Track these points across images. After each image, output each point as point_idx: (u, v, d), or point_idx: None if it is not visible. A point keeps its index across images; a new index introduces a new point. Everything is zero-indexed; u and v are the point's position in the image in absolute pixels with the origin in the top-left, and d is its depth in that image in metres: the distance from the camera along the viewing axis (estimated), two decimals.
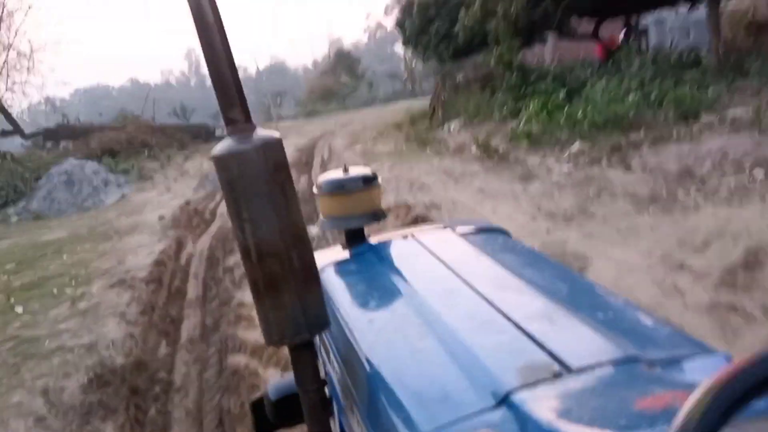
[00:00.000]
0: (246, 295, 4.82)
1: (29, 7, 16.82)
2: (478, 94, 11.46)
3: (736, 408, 0.44)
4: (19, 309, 5.38)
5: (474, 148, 8.76)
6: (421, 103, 18.10)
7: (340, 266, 1.66)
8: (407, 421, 0.91)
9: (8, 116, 17.02)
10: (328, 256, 1.71)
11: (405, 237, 1.76)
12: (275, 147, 0.97)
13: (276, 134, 1.00)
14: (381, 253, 1.68)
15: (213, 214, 8.52)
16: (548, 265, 1.54)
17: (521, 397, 0.86)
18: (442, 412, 0.90)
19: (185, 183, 11.55)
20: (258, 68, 48.60)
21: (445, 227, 1.82)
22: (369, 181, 1.71)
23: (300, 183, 9.26)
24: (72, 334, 4.56)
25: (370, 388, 1.08)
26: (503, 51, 10.38)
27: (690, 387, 0.48)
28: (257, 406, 1.75)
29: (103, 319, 4.90)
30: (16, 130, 17.11)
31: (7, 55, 16.33)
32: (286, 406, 1.58)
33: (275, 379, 2.54)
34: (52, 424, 3.31)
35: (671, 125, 7.58)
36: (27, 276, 6.62)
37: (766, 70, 8.71)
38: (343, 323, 1.31)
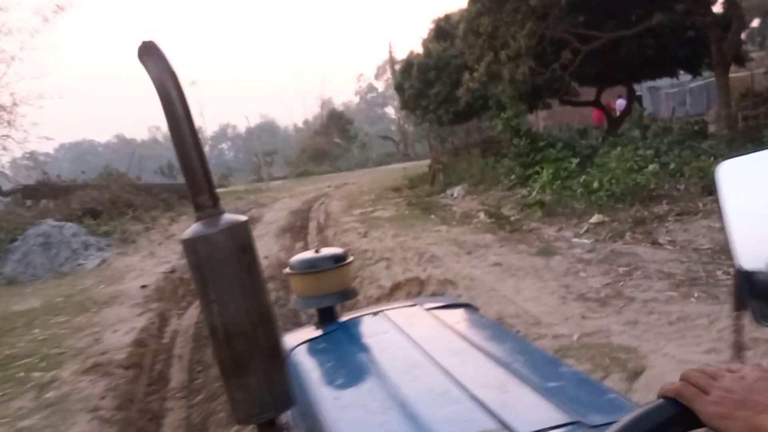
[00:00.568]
0: None
1: (12, 59, 16.44)
2: (481, 159, 11.10)
3: None
4: None
5: (483, 217, 8.26)
6: (415, 166, 17.84)
7: (311, 345, 1.72)
8: None
9: None
10: (301, 335, 1.78)
11: (375, 314, 1.83)
12: (242, 229, 0.98)
13: (243, 217, 1.00)
14: (351, 330, 1.76)
15: None
16: (509, 337, 1.67)
17: None
18: None
19: (170, 247, 10.88)
20: (249, 125, 48.71)
21: (413, 304, 1.90)
22: (340, 260, 1.80)
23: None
24: None
25: None
26: (510, 116, 10.06)
27: None
28: None
29: (72, 414, 4.25)
30: None
31: None
32: None
33: None
34: None
35: (695, 197, 7.18)
36: None
37: None
38: (312, 401, 1.36)
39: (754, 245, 0.74)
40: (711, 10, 10.12)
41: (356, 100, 49.90)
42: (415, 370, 1.35)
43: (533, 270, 5.85)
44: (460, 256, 6.73)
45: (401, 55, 30.03)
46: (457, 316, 1.78)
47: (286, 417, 1.34)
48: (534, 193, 8.29)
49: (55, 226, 11.14)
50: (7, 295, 8.94)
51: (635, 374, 3.53)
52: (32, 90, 16.92)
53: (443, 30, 15.10)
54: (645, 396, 3.12)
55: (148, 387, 4.87)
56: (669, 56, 11.49)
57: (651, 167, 7.61)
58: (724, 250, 5.61)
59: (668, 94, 19.50)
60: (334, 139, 31.40)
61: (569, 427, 0.99)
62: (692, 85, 17.90)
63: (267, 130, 51.71)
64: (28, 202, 15.08)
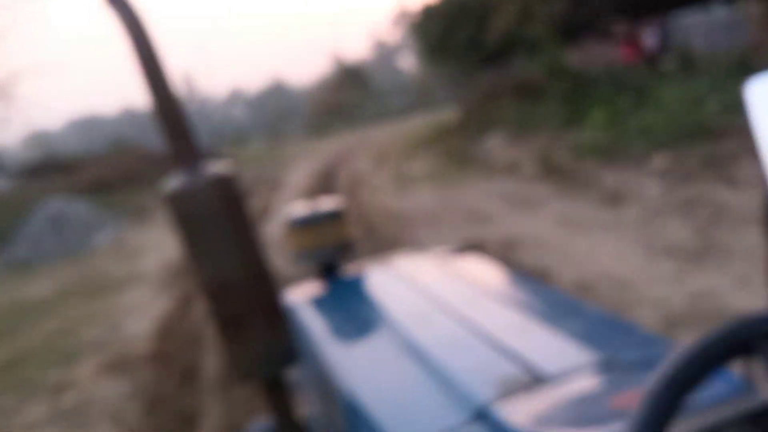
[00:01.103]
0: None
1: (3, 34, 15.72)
2: (517, 103, 10.24)
3: (687, 392, 0.48)
4: None
5: (530, 165, 7.48)
6: (438, 116, 16.92)
7: (314, 300, 1.67)
8: None
9: None
10: (302, 290, 1.75)
11: (378, 266, 1.79)
12: (228, 180, 0.94)
13: (228, 167, 0.96)
14: (354, 284, 1.71)
15: None
16: (521, 280, 1.58)
17: (497, 409, 0.88)
18: (420, 429, 0.93)
19: None
20: (257, 89, 47.82)
21: (416, 253, 1.89)
22: (338, 213, 1.75)
23: None
24: None
25: (348, 416, 1.10)
26: (551, 55, 9.20)
27: None
28: None
29: (93, 425, 3.74)
30: None
31: None
32: None
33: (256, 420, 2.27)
34: None
35: None
36: (1, 350, 5.39)
37: None
38: (320, 357, 1.30)
39: None
40: None
41: (367, 54, 48.47)
42: (429, 319, 1.30)
43: (603, 224, 5.11)
44: (513, 212, 6.00)
45: (414, 4, 28.64)
46: (469, 262, 1.72)
47: (292, 376, 1.38)
48: (585, 135, 7.46)
49: (65, 204, 10.57)
50: (19, 280, 8.44)
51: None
52: (29, 64, 16.28)
53: None
54: None
55: (177, 383, 4.28)
56: None
57: (711, 103, 6.77)
58: None
59: (690, 27, 18.25)
60: (348, 94, 30.50)
61: (602, 367, 0.93)
62: (718, 16, 16.70)
63: (277, 91, 50.63)
64: (35, 180, 14.52)
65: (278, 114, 32.73)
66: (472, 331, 1.16)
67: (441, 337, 1.18)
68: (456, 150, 10.31)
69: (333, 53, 50.89)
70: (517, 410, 0.85)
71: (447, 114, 16.62)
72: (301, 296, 1.69)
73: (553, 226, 5.27)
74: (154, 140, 19.34)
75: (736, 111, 7.12)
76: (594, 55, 16.21)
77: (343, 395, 1.11)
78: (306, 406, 1.51)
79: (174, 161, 0.91)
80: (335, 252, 1.74)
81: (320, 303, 1.66)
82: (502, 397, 0.90)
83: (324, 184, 10.63)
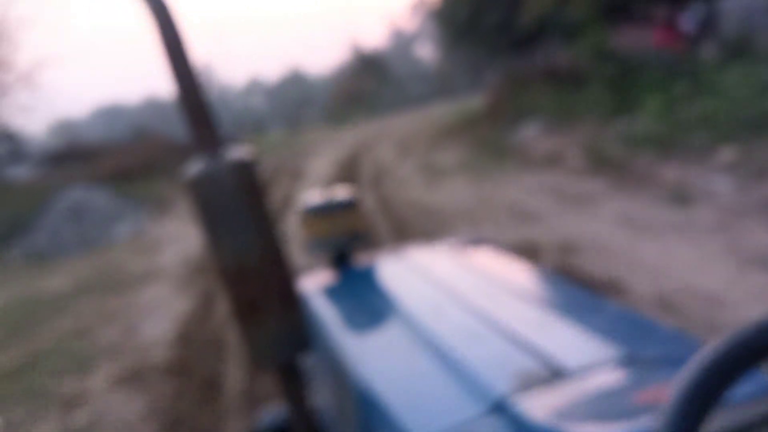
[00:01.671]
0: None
1: (28, 22, 15.55)
2: (554, 90, 9.62)
3: (720, 391, 0.44)
4: None
5: (574, 158, 6.91)
6: (461, 103, 16.32)
7: (327, 289, 1.67)
8: (402, 430, 0.90)
9: (11, 139, 15.60)
10: (316, 278, 1.74)
11: (391, 256, 1.78)
12: (248, 166, 0.93)
13: (249, 154, 0.94)
14: (367, 273, 1.70)
15: None
16: (537, 274, 1.54)
17: (516, 402, 0.86)
18: (436, 420, 0.89)
19: None
20: (275, 78, 47.37)
21: (430, 244, 1.85)
22: (352, 202, 1.75)
23: None
24: None
25: (361, 406, 1.08)
26: (595, 39, 8.57)
27: None
28: None
29: None
30: (20, 154, 15.72)
31: (6, 75, 14.88)
32: None
33: (269, 408, 2.15)
34: None
35: None
36: (12, 352, 5.13)
37: None
38: (332, 346, 1.29)
39: None
40: None
41: (385, 42, 47.71)
42: (443, 310, 1.27)
43: (673, 226, 4.56)
44: (565, 210, 5.45)
45: None
46: (482, 254, 1.68)
47: (305, 364, 1.43)
48: (638, 125, 6.86)
49: (86, 192, 10.17)
50: (36, 274, 8.05)
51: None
52: (54, 52, 16.17)
53: None
54: None
55: (198, 397, 3.84)
56: None
57: None
58: None
59: (728, 11, 17.51)
60: (367, 82, 29.92)
61: (623, 363, 0.91)
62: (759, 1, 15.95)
63: (295, 80, 50.15)
64: (57, 169, 14.26)
65: (297, 102, 32.26)
66: (488, 323, 1.14)
67: (456, 328, 1.16)
68: (487, 139, 9.72)
69: (351, 42, 50.36)
70: (537, 404, 0.83)
71: (472, 102, 16.01)
72: (313, 284, 1.69)
73: (614, 228, 4.73)
74: (176, 130, 18.99)
75: None
76: (630, 40, 15.54)
77: (357, 385, 1.10)
78: (317, 395, 1.51)
79: (196, 147, 0.91)
80: (348, 241, 1.74)
81: (333, 292, 1.64)
82: (521, 390, 0.88)
83: (347, 175, 10.12)
